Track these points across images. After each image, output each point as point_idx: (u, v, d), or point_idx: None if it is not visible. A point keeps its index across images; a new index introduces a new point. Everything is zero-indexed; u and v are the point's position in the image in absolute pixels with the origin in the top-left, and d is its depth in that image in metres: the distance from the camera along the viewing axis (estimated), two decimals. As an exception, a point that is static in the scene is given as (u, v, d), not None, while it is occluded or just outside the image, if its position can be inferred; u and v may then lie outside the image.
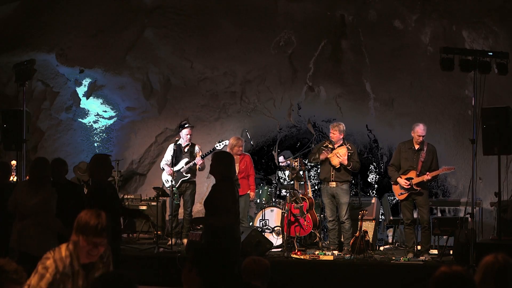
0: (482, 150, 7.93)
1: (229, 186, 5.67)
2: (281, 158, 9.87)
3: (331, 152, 8.57)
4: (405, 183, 8.15)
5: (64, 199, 6.23)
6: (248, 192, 9.27)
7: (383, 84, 10.52)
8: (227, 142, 9.37)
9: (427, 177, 8.07)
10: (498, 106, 7.95)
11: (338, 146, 8.60)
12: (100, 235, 3.46)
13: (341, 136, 8.64)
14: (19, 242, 6.01)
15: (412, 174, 8.20)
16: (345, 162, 8.46)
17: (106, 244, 3.53)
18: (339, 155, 8.47)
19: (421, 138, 8.21)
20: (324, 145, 8.73)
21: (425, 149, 8.26)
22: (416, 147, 8.27)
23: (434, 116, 10.26)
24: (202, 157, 9.28)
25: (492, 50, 8.41)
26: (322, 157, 8.59)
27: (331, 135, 8.68)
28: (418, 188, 8.14)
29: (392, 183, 8.46)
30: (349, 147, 8.62)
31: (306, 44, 10.49)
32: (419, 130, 8.21)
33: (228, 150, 9.12)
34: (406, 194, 8.21)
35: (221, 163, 5.73)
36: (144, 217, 6.79)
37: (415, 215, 8.44)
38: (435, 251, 8.58)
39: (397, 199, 9.57)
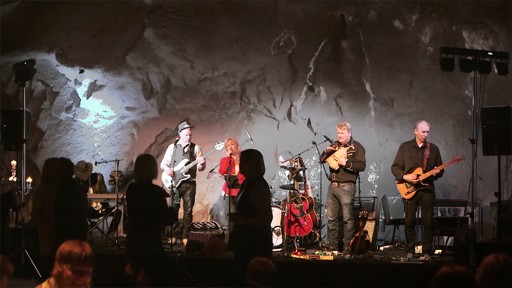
0: (482, 150, 7.93)
1: (264, 186, 5.58)
2: (280, 158, 9.87)
3: (332, 152, 8.57)
4: (413, 177, 8.10)
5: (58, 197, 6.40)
6: None
7: (383, 84, 10.53)
8: (227, 142, 9.37)
9: (435, 170, 8.04)
10: (498, 106, 7.96)
11: (343, 146, 8.58)
12: (85, 263, 3.39)
13: (349, 134, 8.61)
14: None
15: (418, 171, 8.15)
16: (343, 163, 8.43)
17: (91, 274, 3.43)
18: (336, 158, 8.46)
19: (425, 134, 8.19)
20: (333, 147, 8.70)
21: (428, 147, 8.25)
22: (420, 144, 8.25)
23: (434, 116, 10.26)
24: (204, 157, 9.29)
25: (492, 50, 8.42)
26: (326, 151, 8.60)
27: (339, 135, 8.60)
28: (426, 184, 8.11)
29: (397, 182, 8.41)
30: (353, 146, 8.58)
31: (306, 44, 10.50)
32: (423, 126, 8.20)
33: (227, 151, 9.18)
34: (414, 193, 8.17)
35: (250, 162, 5.61)
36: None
37: (416, 217, 8.43)
38: (439, 251, 8.55)
39: (397, 199, 9.57)
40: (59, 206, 6.25)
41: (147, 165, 5.78)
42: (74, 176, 7.71)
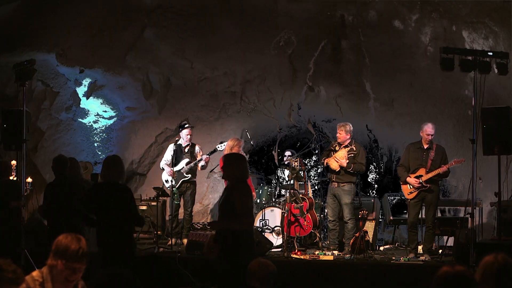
0: (482, 150, 7.92)
1: (245, 189, 5.51)
2: (287, 153, 9.82)
3: (334, 154, 8.58)
4: (416, 181, 8.13)
5: None
6: None
7: (383, 84, 10.53)
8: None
9: (437, 171, 8.05)
10: (498, 106, 7.94)
11: (344, 147, 8.60)
12: (81, 260, 3.35)
13: (348, 136, 8.62)
14: None
15: (421, 171, 8.17)
16: (344, 165, 8.44)
17: (83, 270, 3.41)
18: (337, 159, 8.47)
19: (430, 137, 8.22)
20: (332, 146, 8.73)
21: (434, 148, 8.27)
22: (425, 146, 8.28)
23: (434, 116, 10.25)
24: (208, 155, 9.28)
25: (492, 50, 8.40)
26: (323, 160, 8.64)
27: (337, 135, 8.68)
28: (428, 185, 8.12)
29: (401, 183, 8.43)
30: (354, 147, 8.59)
31: (306, 44, 10.49)
32: (428, 129, 8.24)
33: (227, 151, 9.14)
34: (416, 193, 8.19)
35: (234, 165, 5.55)
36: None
37: (419, 217, 8.43)
38: (439, 251, 8.54)
39: (397, 199, 9.58)
40: (52, 204, 6.54)
41: (117, 165, 5.88)
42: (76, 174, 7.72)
